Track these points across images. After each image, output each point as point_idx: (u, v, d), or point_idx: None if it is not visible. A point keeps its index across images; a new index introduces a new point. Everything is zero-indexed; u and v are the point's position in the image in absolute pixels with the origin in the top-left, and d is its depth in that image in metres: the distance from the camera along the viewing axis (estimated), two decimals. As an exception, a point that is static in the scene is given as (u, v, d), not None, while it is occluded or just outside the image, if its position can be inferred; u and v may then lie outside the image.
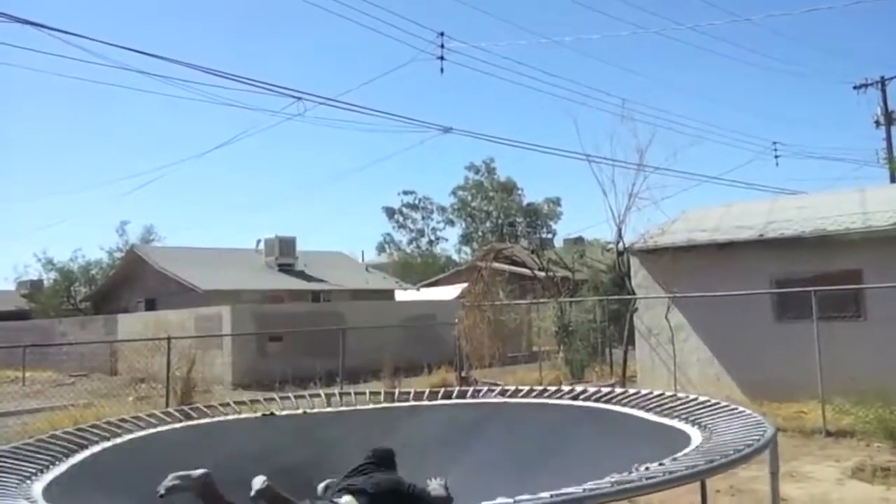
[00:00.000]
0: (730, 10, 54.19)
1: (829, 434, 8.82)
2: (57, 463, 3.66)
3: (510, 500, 2.24)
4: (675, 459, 2.65)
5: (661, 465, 2.53)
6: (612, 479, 2.30)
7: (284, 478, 3.69)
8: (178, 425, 4.85)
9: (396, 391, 5.88)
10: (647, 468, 2.48)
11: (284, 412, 5.18)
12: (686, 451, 2.88)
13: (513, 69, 58.94)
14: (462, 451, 3.71)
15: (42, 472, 3.43)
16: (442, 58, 15.28)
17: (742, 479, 6.27)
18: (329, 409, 5.38)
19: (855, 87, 24.41)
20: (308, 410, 5.28)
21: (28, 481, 3.18)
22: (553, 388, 5.39)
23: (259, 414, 5.10)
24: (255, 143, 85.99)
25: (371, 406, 5.48)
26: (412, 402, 5.49)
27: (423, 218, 49.48)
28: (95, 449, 4.03)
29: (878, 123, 24.19)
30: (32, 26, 9.95)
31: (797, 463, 7.30)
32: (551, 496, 2.14)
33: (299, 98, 13.32)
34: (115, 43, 12.72)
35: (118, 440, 4.25)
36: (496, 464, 3.23)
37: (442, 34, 15.39)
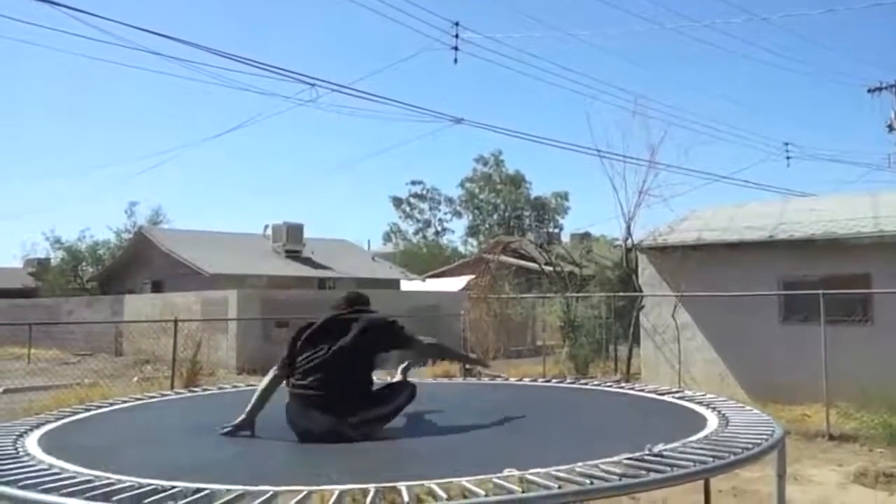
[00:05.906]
0: (747, 9, 53.88)
1: (832, 438, 8.79)
2: (52, 421, 3.67)
3: (517, 473, 2.25)
4: (685, 445, 2.66)
5: (671, 450, 2.54)
6: (620, 472, 2.30)
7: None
8: (187, 394, 5.04)
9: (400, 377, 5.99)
10: (659, 451, 2.49)
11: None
12: (698, 435, 2.89)
13: (526, 61, 58.33)
14: (468, 416, 3.72)
15: (35, 428, 3.43)
16: (456, 48, 15.20)
17: (745, 479, 6.26)
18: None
19: (869, 91, 24.15)
20: None
21: (21, 437, 3.17)
22: (556, 381, 5.39)
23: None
24: (267, 128, 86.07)
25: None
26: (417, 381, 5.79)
27: (430, 208, 49.52)
28: (94, 411, 4.05)
29: (890, 128, 24.00)
30: (45, 3, 9.93)
31: (799, 466, 7.28)
32: (559, 486, 2.14)
33: (312, 84, 13.25)
34: (129, 23, 12.70)
35: (119, 406, 4.27)
36: (506, 432, 3.23)
37: (457, 24, 15.32)
